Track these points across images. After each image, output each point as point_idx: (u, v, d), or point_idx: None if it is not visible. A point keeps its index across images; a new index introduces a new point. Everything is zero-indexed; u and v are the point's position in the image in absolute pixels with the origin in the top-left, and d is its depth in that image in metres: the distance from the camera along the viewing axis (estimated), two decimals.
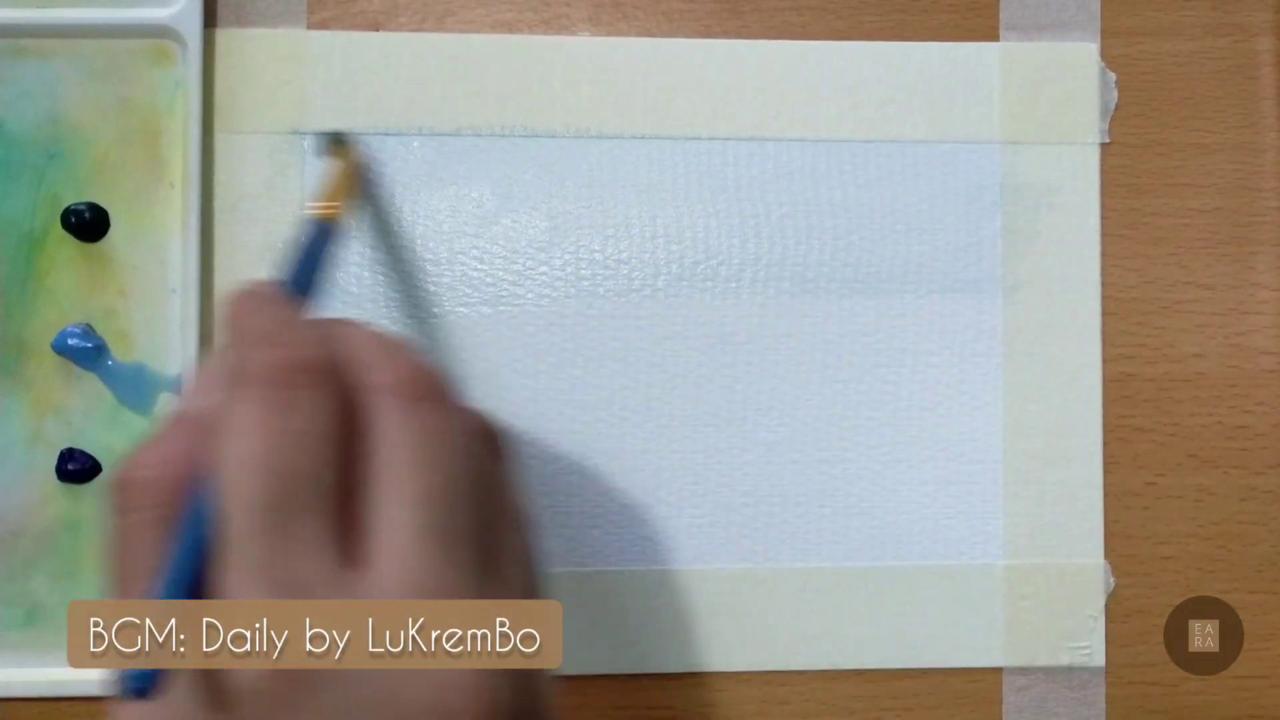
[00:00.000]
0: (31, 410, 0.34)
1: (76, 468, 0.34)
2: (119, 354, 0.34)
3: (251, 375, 0.20)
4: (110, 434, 0.34)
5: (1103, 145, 0.36)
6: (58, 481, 0.34)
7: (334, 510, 0.19)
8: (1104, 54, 0.37)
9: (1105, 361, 0.36)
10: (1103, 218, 0.36)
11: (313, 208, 0.30)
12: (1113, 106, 0.37)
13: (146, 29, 0.34)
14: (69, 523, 0.34)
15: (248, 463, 0.19)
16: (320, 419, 0.20)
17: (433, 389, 0.21)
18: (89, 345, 0.34)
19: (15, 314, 0.34)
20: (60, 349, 0.34)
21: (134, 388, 0.34)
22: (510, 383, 0.35)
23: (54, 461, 0.34)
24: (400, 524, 0.19)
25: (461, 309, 0.35)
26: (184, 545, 0.19)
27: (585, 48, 0.36)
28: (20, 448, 0.34)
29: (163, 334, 0.34)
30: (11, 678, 0.33)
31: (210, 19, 0.35)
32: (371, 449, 0.20)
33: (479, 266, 0.35)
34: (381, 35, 0.35)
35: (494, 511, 0.22)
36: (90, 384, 0.34)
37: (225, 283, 0.35)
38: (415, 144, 0.35)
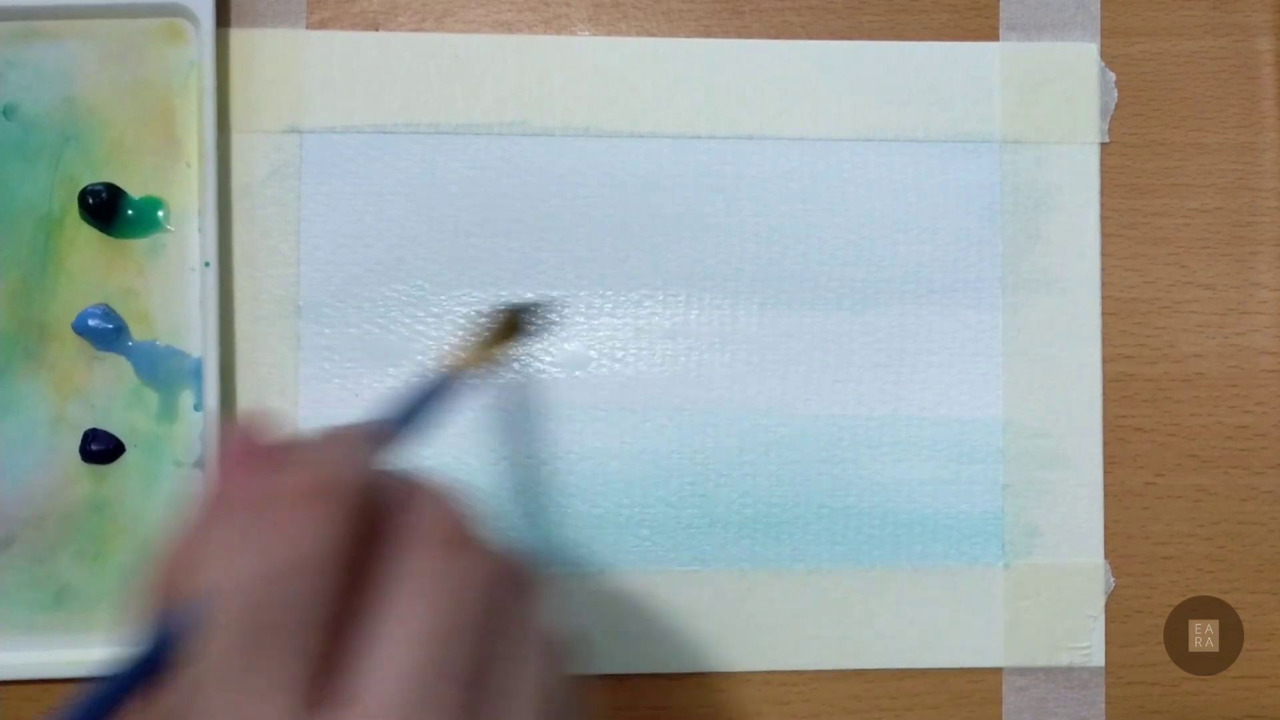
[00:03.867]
0: (54, 392, 0.34)
1: (100, 448, 0.34)
2: (139, 334, 0.34)
3: (260, 497, 0.19)
4: (132, 414, 0.34)
5: (1103, 145, 0.36)
6: (82, 462, 0.34)
7: (314, 649, 0.18)
8: (1104, 54, 0.37)
9: (1105, 361, 0.36)
10: (1103, 218, 0.36)
11: (451, 359, 0.28)
12: (1112, 106, 0.37)
13: (158, 7, 0.34)
14: (94, 503, 0.34)
15: (229, 592, 0.18)
16: (323, 546, 0.19)
17: (461, 535, 0.20)
18: (109, 326, 0.34)
19: (35, 296, 0.34)
20: (81, 330, 0.34)
21: (154, 367, 0.34)
22: (509, 382, 0.35)
23: (77, 443, 0.34)
24: (390, 663, 0.18)
25: (460, 308, 0.35)
26: (121, 672, 0.18)
27: (585, 48, 0.36)
28: (43, 430, 0.34)
29: (182, 313, 0.34)
30: (41, 659, 0.34)
31: None
32: (380, 586, 0.19)
33: (478, 266, 0.35)
34: (381, 35, 0.35)
35: (507, 656, 0.20)
36: (111, 364, 0.34)
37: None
38: (415, 144, 0.35)
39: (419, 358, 0.35)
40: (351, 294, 0.35)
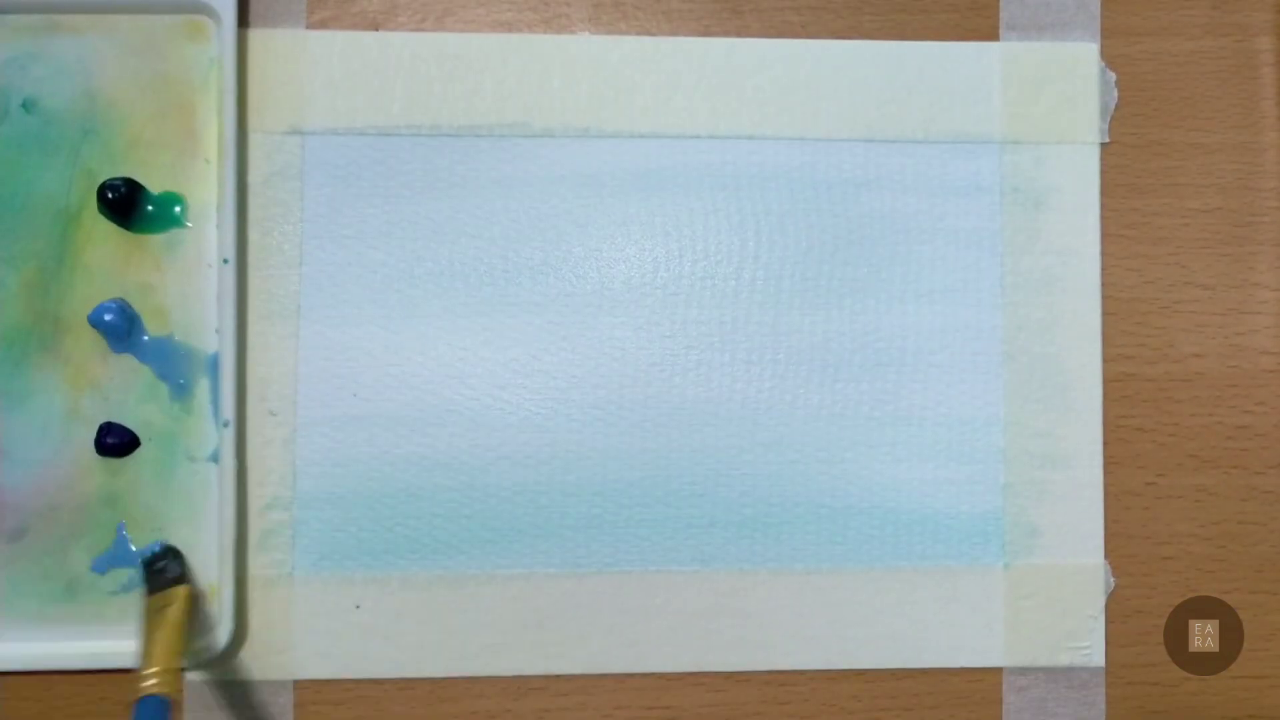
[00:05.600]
0: (69, 385, 0.34)
1: (115, 441, 0.34)
2: (155, 329, 0.34)
3: None
4: (147, 408, 0.34)
5: (1103, 145, 0.36)
6: (96, 455, 0.34)
7: None
8: (1104, 54, 0.37)
9: (1105, 361, 0.36)
10: (1103, 218, 0.36)
11: (148, 677, 0.28)
12: (1113, 106, 0.37)
13: (180, 4, 0.34)
14: (107, 496, 0.34)
15: None
16: None
17: None
18: (125, 320, 0.34)
19: (52, 289, 0.34)
20: (96, 324, 0.34)
21: (170, 362, 0.34)
22: (509, 382, 0.35)
23: (92, 435, 0.34)
24: None
25: (460, 308, 0.35)
26: None
27: (585, 47, 0.36)
28: (59, 422, 0.34)
29: (199, 309, 0.34)
30: (51, 650, 0.34)
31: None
32: None
33: (478, 266, 0.35)
34: (381, 35, 0.35)
35: None
36: (127, 358, 0.34)
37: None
38: (415, 144, 0.35)
39: (418, 358, 0.35)
40: (351, 294, 0.35)
